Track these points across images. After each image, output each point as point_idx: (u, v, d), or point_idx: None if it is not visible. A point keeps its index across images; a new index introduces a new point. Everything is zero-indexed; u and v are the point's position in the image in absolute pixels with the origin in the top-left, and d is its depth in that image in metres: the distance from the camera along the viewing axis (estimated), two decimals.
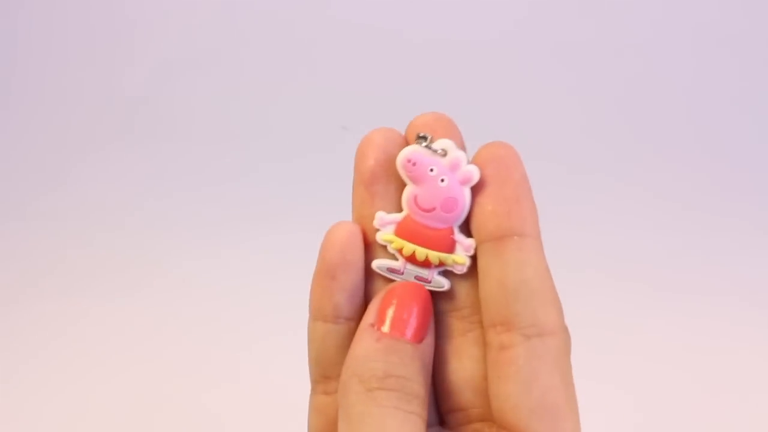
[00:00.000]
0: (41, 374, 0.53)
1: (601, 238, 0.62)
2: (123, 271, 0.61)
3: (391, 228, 0.23)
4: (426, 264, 0.23)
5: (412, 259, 0.23)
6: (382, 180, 0.22)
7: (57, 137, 0.69)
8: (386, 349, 0.21)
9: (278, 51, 0.70)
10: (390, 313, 0.21)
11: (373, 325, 0.21)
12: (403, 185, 0.23)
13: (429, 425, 0.22)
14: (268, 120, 0.69)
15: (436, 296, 0.23)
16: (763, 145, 0.68)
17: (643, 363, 0.54)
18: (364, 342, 0.21)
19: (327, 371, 0.23)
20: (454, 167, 0.22)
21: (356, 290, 0.23)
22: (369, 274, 0.23)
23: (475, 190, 0.22)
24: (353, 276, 0.22)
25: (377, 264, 0.23)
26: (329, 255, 0.22)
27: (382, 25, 0.69)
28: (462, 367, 0.23)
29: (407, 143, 0.23)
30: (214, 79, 0.70)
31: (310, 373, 0.24)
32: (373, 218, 0.23)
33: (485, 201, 0.22)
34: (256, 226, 0.62)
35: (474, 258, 0.22)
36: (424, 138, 0.22)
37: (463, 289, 0.23)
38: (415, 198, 0.22)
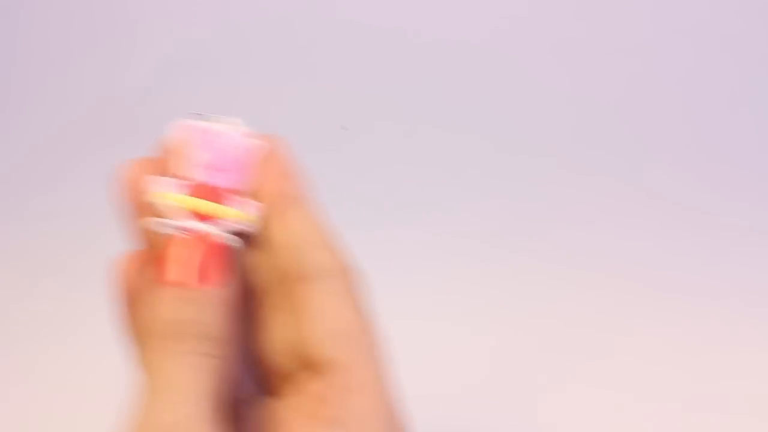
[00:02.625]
0: (41, 374, 0.53)
1: (601, 238, 0.62)
2: None
3: (175, 187, 0.23)
4: (211, 219, 0.23)
5: (197, 216, 0.23)
6: (141, 211, 0.23)
7: (58, 137, 0.69)
8: (172, 297, 0.21)
9: (278, 51, 0.70)
10: (171, 262, 0.21)
11: (156, 279, 0.21)
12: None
13: (252, 397, 0.23)
14: (267, 119, 0.69)
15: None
16: (762, 146, 0.68)
17: (643, 365, 0.54)
18: (150, 296, 0.21)
19: None
20: (239, 135, 0.24)
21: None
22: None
23: (252, 161, 0.24)
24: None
25: (159, 222, 0.22)
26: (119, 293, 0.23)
27: (382, 25, 0.69)
28: (267, 330, 0.23)
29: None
30: (215, 79, 0.70)
31: None
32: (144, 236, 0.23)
33: (261, 169, 0.24)
34: None
35: (257, 220, 0.23)
36: (201, 114, 0.24)
37: (247, 256, 0.24)
38: (203, 160, 0.23)
